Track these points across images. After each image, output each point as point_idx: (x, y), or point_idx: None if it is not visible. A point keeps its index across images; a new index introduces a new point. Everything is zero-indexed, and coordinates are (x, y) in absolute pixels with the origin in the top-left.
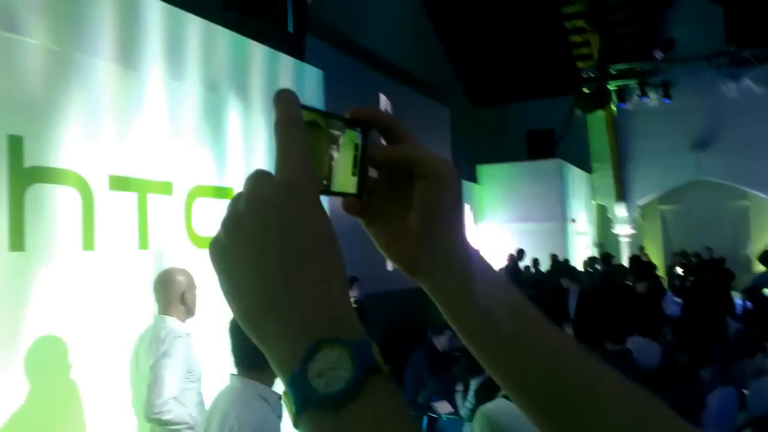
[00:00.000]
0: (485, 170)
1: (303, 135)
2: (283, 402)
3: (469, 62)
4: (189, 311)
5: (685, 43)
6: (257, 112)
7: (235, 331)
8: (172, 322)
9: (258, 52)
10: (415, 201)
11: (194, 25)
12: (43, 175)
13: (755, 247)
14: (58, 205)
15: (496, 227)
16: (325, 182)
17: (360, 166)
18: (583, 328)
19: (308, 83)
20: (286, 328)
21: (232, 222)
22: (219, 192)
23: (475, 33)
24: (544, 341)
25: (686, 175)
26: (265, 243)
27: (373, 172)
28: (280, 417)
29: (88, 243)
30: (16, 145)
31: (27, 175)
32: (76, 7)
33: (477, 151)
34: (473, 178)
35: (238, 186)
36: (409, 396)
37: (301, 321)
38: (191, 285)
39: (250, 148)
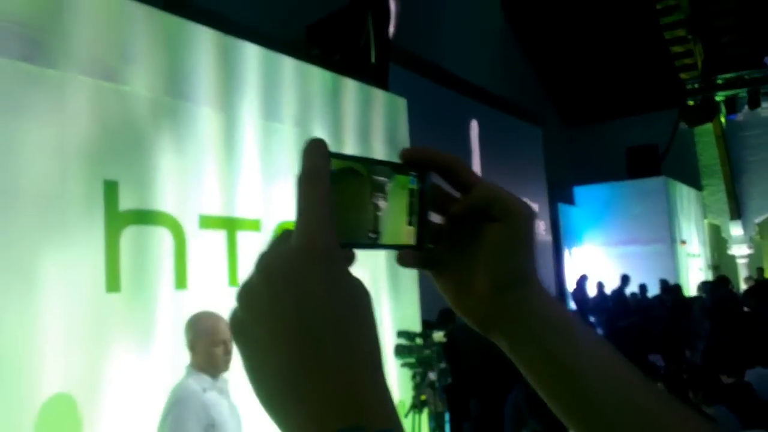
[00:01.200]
0: (583, 192)
1: (322, 190)
2: None
3: (560, 81)
4: (210, 365)
5: None
6: (346, 146)
7: None
8: (190, 378)
9: (342, 85)
10: (485, 247)
11: (280, 63)
12: (137, 217)
13: None
14: (151, 245)
15: (597, 251)
16: (371, 235)
17: (418, 215)
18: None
19: (393, 112)
20: (301, 417)
21: (245, 294)
22: None
23: (565, 50)
24: (641, 410)
25: None
26: (277, 321)
27: (437, 218)
28: None
29: (181, 282)
30: (111, 190)
31: (122, 218)
32: (167, 55)
33: (573, 172)
34: (570, 200)
35: None
36: None
37: (317, 410)
38: (209, 334)
39: None
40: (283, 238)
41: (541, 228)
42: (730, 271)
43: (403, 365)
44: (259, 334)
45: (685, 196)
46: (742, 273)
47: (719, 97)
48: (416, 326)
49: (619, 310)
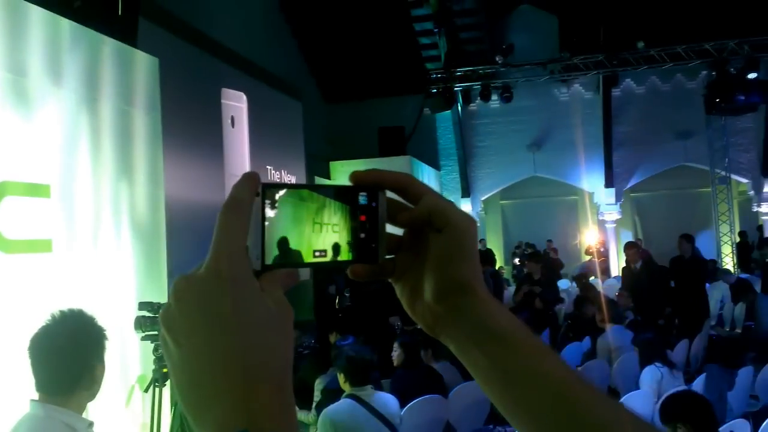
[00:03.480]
0: (338, 167)
1: (237, 220)
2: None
3: (323, 58)
4: None
5: (524, 49)
6: (80, 101)
7: (36, 348)
8: None
9: (80, 34)
10: (430, 256)
11: (16, 6)
12: None
13: (582, 237)
14: None
15: None
16: (317, 254)
17: (369, 231)
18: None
19: (141, 71)
20: (207, 420)
21: (164, 315)
22: (32, 189)
23: (328, 29)
24: (574, 408)
25: (523, 171)
26: (189, 339)
27: (397, 230)
28: None
29: None
30: None
31: None
32: None
33: (330, 147)
34: (326, 175)
35: (54, 182)
36: None
37: (218, 415)
38: None
39: (69, 141)
40: (197, 267)
41: None
42: None
43: (144, 338)
44: (175, 350)
45: (426, 174)
46: None
47: (457, 87)
48: (164, 298)
49: None
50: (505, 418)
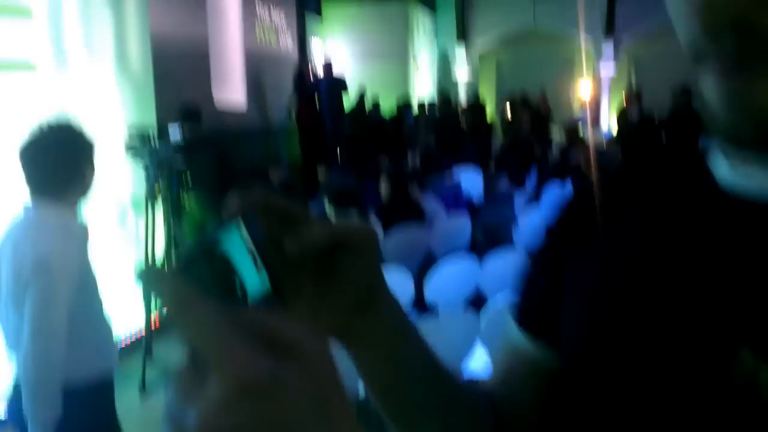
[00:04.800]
0: (331, 7)
1: (201, 314)
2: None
3: None
4: None
5: None
6: None
7: (28, 155)
8: None
9: None
10: (338, 274)
11: None
12: None
13: (576, 91)
14: None
15: (341, 65)
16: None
17: (261, 260)
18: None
19: None
20: None
21: None
22: (10, 10)
23: None
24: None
25: (523, 21)
26: None
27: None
28: (85, 245)
29: None
30: None
31: None
32: None
33: None
34: (318, 12)
35: (38, 4)
36: None
37: None
38: None
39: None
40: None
41: (289, 46)
42: (453, 92)
43: (133, 155)
44: None
45: (421, 17)
46: (462, 93)
47: None
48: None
49: (356, 123)
50: (385, 410)
